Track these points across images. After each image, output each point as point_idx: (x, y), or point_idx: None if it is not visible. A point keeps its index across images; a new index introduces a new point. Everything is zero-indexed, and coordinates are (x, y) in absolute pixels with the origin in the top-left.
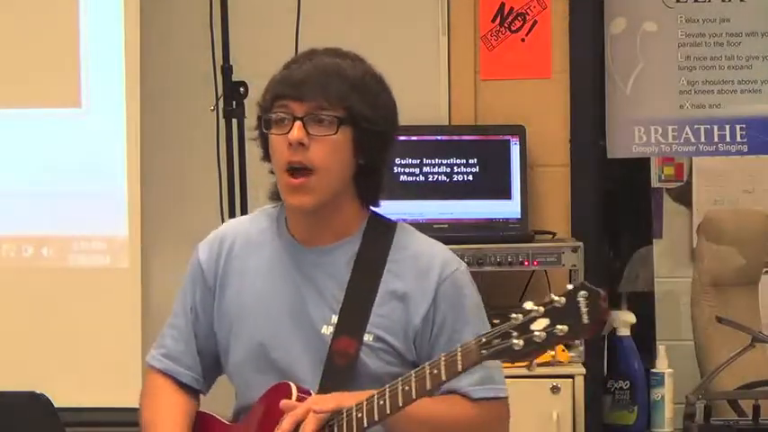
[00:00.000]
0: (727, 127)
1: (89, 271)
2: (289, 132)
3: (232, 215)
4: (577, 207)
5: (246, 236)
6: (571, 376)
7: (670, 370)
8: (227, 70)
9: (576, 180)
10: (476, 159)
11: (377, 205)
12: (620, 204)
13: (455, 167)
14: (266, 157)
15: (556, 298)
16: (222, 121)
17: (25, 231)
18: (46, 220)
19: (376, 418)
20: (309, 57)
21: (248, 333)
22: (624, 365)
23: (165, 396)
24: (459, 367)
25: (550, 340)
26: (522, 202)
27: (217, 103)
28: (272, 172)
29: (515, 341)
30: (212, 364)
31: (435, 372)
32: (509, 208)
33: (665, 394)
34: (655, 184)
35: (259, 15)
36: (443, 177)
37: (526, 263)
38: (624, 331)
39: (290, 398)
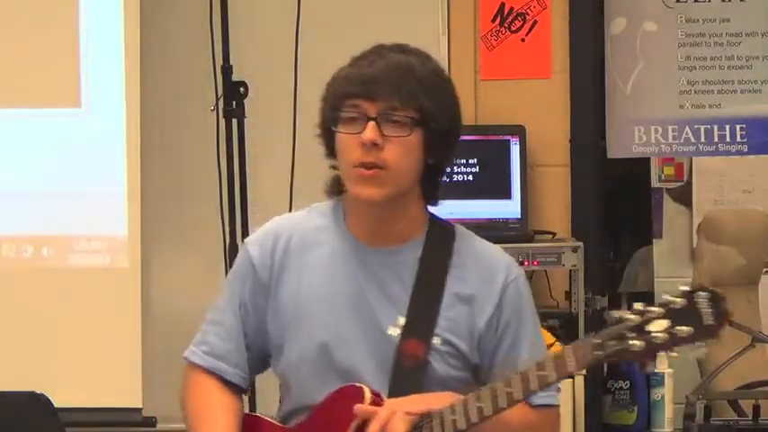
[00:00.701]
0: (727, 127)
1: (89, 271)
2: (361, 132)
3: (232, 215)
4: (577, 207)
5: (303, 232)
6: (571, 376)
7: (670, 370)
8: (227, 70)
9: (575, 180)
10: (476, 159)
11: (437, 204)
12: (620, 204)
13: (455, 167)
14: (330, 153)
15: (673, 299)
16: (222, 121)
17: (25, 231)
18: (46, 220)
19: (474, 419)
20: (379, 54)
21: (308, 331)
22: (624, 365)
23: (213, 397)
24: (573, 368)
25: (673, 341)
26: (522, 202)
27: (217, 103)
28: (332, 167)
29: (633, 342)
30: (258, 363)
31: (543, 373)
32: (509, 208)
33: (665, 394)
34: (655, 184)
35: (259, 15)
36: (443, 177)
37: (526, 263)
38: None
39: (363, 401)
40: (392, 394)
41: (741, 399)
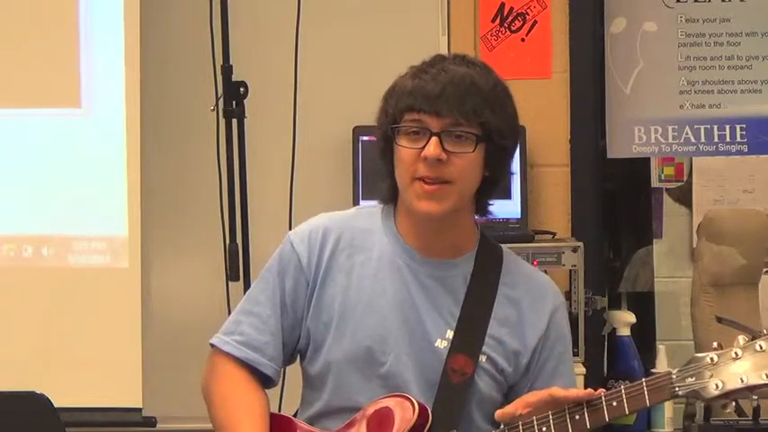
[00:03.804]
0: (727, 127)
1: (89, 271)
2: (424, 147)
3: (232, 215)
4: (577, 207)
5: (352, 232)
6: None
7: (670, 370)
8: (227, 70)
9: (576, 180)
10: None
11: (486, 215)
12: (620, 204)
13: None
14: (386, 161)
15: (756, 342)
16: (222, 121)
17: (25, 231)
18: (46, 220)
19: None
20: (440, 66)
21: (354, 332)
22: (624, 365)
23: (246, 391)
24: (647, 402)
25: (752, 385)
26: (522, 202)
27: (217, 103)
28: (390, 177)
29: (713, 382)
30: (289, 357)
31: (615, 404)
32: (509, 208)
33: None
34: (655, 184)
35: (259, 15)
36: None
37: None
38: (624, 331)
39: (413, 413)
40: (436, 408)
41: (741, 399)
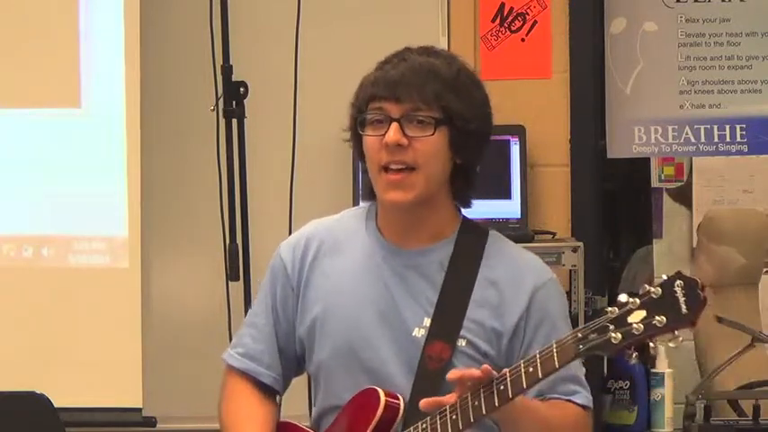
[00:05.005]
0: (727, 127)
1: (89, 271)
2: (385, 134)
3: (232, 215)
4: (577, 207)
5: (334, 237)
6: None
7: (670, 370)
8: (227, 70)
9: (576, 180)
10: None
11: (468, 205)
12: (620, 204)
13: None
14: (360, 156)
15: (651, 289)
16: (222, 121)
17: (25, 231)
18: (46, 220)
19: (471, 419)
20: (403, 56)
21: (335, 332)
22: (624, 366)
23: (246, 401)
24: (556, 364)
25: (649, 332)
26: (522, 202)
27: (217, 103)
28: (365, 171)
29: (613, 335)
30: (292, 364)
31: (531, 369)
32: (509, 208)
33: (665, 394)
34: (655, 184)
35: (259, 15)
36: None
37: None
38: None
39: (378, 404)
40: (414, 396)
41: (741, 399)
